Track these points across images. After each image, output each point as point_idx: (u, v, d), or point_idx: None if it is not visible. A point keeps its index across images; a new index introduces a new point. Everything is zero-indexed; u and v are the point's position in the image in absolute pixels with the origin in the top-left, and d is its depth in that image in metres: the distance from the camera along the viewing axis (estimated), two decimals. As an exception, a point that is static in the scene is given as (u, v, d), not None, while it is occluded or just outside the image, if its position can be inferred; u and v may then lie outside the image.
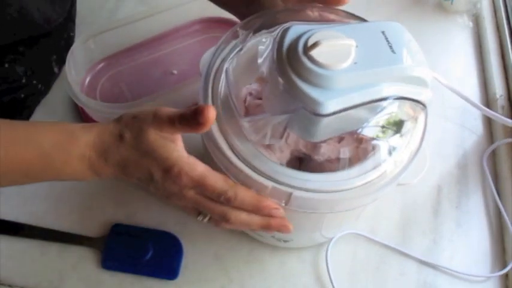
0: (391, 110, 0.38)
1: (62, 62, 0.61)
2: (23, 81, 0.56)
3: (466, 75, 0.70)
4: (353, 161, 0.42)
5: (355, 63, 0.35)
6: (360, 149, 0.43)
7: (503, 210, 0.56)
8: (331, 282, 0.50)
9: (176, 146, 0.38)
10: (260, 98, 0.47)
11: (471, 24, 0.76)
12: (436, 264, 0.52)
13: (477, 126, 0.64)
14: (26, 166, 0.37)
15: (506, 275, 0.52)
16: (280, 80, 0.36)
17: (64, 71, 0.57)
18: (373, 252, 0.53)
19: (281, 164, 0.41)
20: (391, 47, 0.37)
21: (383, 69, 0.36)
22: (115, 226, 0.52)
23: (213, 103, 0.41)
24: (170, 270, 0.50)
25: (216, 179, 0.37)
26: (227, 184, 0.37)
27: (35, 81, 0.58)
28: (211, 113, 0.36)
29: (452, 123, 0.64)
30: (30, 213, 0.53)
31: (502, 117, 0.50)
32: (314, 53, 0.35)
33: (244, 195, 0.37)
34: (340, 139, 0.44)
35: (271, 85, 0.39)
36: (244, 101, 0.45)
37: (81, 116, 0.60)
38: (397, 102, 0.37)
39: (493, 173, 0.60)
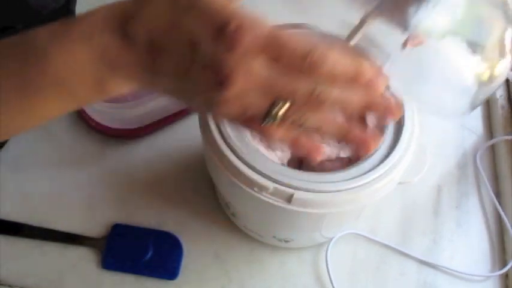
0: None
1: None
2: None
3: (466, 75, 0.70)
4: (353, 160, 0.42)
5: None
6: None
7: (503, 210, 0.56)
8: (331, 283, 0.50)
9: (231, 3, 0.25)
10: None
11: (471, 24, 0.76)
12: (436, 264, 0.52)
13: (477, 126, 0.64)
14: (21, 79, 0.27)
15: (506, 275, 0.52)
16: None
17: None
18: (373, 252, 0.53)
19: (282, 164, 0.41)
20: None
21: None
22: (115, 226, 0.52)
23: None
24: (170, 270, 0.50)
25: (292, 36, 0.24)
26: (309, 42, 0.24)
27: None
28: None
29: (452, 123, 0.64)
30: (30, 213, 0.53)
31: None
32: None
33: (337, 56, 0.25)
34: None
35: None
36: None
37: (81, 116, 0.60)
38: None
39: (493, 172, 0.60)
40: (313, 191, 0.37)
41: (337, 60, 0.25)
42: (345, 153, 0.43)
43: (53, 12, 0.56)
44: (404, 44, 0.33)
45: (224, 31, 0.24)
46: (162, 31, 0.25)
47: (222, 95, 0.25)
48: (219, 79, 0.24)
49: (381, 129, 0.43)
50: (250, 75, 0.24)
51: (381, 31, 0.34)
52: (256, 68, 0.24)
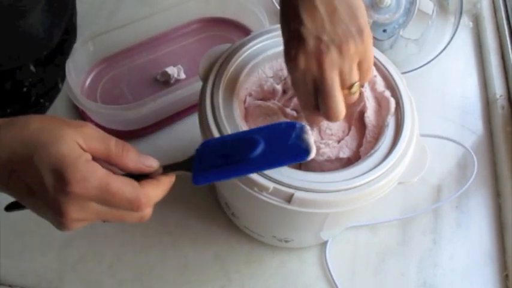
0: None
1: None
2: (32, 99, 0.57)
3: (466, 75, 0.70)
4: (353, 160, 0.42)
5: None
6: (365, 144, 0.43)
7: (503, 210, 0.56)
8: (331, 282, 0.50)
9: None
10: (259, 99, 0.47)
11: (471, 24, 0.75)
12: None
13: (477, 126, 0.64)
14: None
15: (506, 275, 0.52)
16: None
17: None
18: (373, 252, 0.53)
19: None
20: None
21: None
22: None
23: (213, 103, 0.41)
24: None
25: (119, 187, 0.32)
26: (135, 189, 0.32)
27: (42, 100, 0.59)
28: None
29: (452, 123, 0.64)
30: (29, 213, 0.53)
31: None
32: None
33: (155, 194, 0.34)
34: (340, 139, 0.45)
35: None
36: (244, 101, 0.45)
37: (81, 117, 0.60)
38: None
39: (493, 173, 0.60)
40: (313, 191, 0.37)
41: (154, 197, 0.34)
42: (344, 153, 0.43)
43: (62, 43, 0.58)
44: None
45: (62, 177, 0.30)
46: (19, 160, 0.31)
47: (61, 224, 0.32)
48: (58, 214, 0.31)
49: (380, 128, 0.43)
50: (82, 212, 0.31)
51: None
52: (88, 209, 0.32)
